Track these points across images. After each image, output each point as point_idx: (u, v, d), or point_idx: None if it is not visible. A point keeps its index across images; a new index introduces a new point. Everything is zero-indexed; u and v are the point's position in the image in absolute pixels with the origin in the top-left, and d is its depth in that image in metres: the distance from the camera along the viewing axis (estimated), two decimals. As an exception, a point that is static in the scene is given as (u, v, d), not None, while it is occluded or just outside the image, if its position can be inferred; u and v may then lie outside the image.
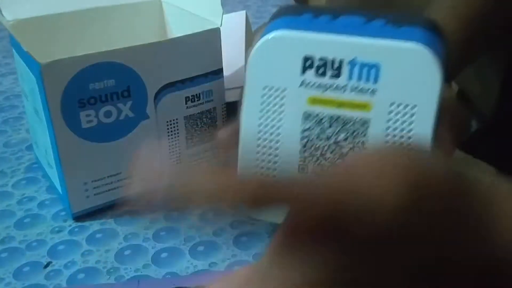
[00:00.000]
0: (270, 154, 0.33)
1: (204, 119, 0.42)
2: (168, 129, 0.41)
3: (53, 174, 0.41)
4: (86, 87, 0.37)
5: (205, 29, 0.40)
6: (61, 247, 0.38)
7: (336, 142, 0.33)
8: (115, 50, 0.37)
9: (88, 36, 0.45)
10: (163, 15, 0.50)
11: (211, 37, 0.41)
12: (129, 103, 0.39)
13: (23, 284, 0.34)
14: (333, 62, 0.31)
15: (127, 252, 0.37)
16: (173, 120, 0.41)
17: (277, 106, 0.33)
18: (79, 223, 0.40)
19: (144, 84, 0.39)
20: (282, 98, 0.32)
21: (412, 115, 0.31)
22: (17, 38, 0.36)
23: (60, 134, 0.37)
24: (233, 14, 0.59)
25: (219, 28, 0.41)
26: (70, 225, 0.40)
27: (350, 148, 0.33)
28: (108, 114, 0.38)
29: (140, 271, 0.35)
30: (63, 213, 0.41)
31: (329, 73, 0.31)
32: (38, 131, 0.41)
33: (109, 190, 0.40)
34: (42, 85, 0.36)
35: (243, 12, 0.59)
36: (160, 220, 0.40)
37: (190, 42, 0.40)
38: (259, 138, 0.33)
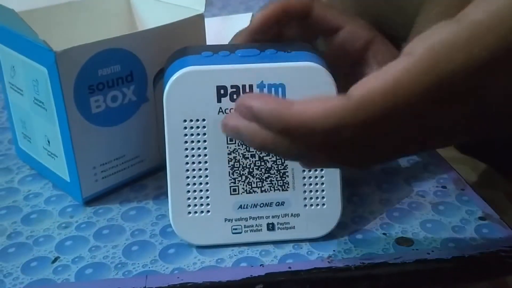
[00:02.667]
0: (200, 183, 0.36)
1: None
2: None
3: (58, 165, 0.42)
4: (96, 73, 0.38)
5: (191, 15, 0.43)
6: (68, 242, 0.38)
7: (260, 158, 0.36)
8: (121, 37, 0.39)
9: (55, 33, 0.46)
10: (130, 8, 0.52)
11: (198, 22, 0.44)
12: (132, 87, 0.41)
13: (31, 279, 0.34)
14: (243, 87, 0.35)
15: (134, 248, 0.37)
16: None
17: (200, 136, 0.36)
18: (86, 220, 0.40)
19: (145, 69, 0.41)
20: (203, 128, 0.35)
21: None
22: (31, 26, 0.36)
23: (72, 120, 0.38)
24: (239, 15, 0.60)
25: (203, 14, 0.44)
26: (77, 221, 0.40)
27: (273, 162, 0.37)
28: (114, 98, 0.40)
29: (148, 267, 0.35)
30: (69, 209, 0.41)
31: None
32: (36, 123, 0.42)
33: (114, 173, 0.42)
34: (57, 73, 0.37)
35: (249, 14, 0.60)
36: (166, 217, 0.40)
37: (180, 27, 0.43)
38: (187, 170, 0.36)
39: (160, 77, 0.42)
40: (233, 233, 0.37)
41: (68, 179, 0.41)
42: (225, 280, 0.34)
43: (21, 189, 0.44)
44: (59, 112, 0.38)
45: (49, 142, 0.41)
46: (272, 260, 0.36)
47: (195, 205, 0.36)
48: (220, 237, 0.37)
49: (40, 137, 0.42)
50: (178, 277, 0.34)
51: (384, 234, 0.38)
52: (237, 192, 0.36)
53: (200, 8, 0.44)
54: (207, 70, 0.35)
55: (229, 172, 0.36)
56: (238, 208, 0.37)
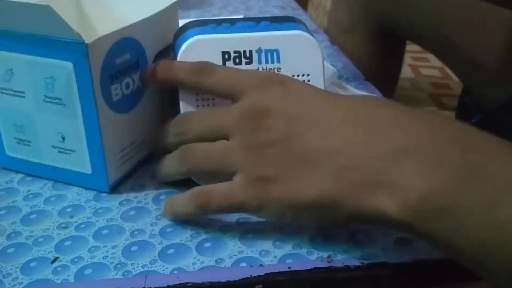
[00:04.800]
0: None
1: None
2: (160, 93, 0.46)
3: (74, 160, 0.42)
4: (114, 62, 0.40)
5: (163, 4, 0.45)
6: (68, 242, 0.38)
7: None
8: (130, 26, 0.41)
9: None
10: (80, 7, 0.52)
11: (175, 9, 0.47)
12: (138, 74, 0.43)
13: (30, 279, 0.34)
14: (244, 52, 0.41)
15: (134, 248, 0.37)
16: None
17: (210, 100, 0.41)
18: (86, 220, 0.40)
19: (146, 55, 0.43)
20: None
21: (308, 81, 0.42)
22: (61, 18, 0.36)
23: (100, 110, 0.40)
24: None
25: (177, 1, 0.47)
26: (76, 222, 0.40)
27: None
28: (127, 85, 0.42)
29: (148, 267, 0.35)
30: (69, 209, 0.41)
31: (243, 61, 0.41)
32: (44, 123, 0.42)
33: (130, 158, 0.44)
34: (88, 65, 0.38)
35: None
36: (166, 217, 0.40)
37: (166, 14, 0.45)
38: None
39: (156, 61, 0.44)
40: None
41: (89, 171, 0.42)
42: (225, 280, 0.34)
43: (21, 189, 0.44)
44: (86, 104, 0.39)
45: (63, 138, 0.42)
46: (271, 260, 0.36)
47: None
48: None
49: (49, 136, 0.42)
50: (177, 277, 0.34)
51: (383, 234, 0.38)
52: None
53: None
54: (213, 39, 0.41)
55: None
56: None
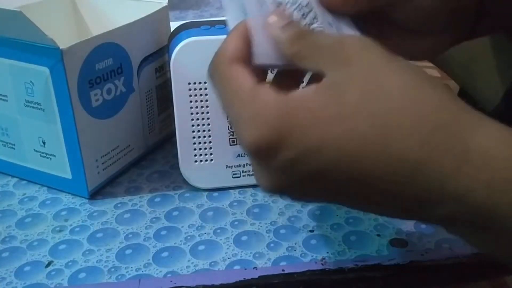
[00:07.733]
0: (204, 136, 0.42)
1: (167, 88, 0.48)
2: (146, 99, 0.47)
3: (55, 164, 0.42)
4: (94, 67, 0.40)
5: (155, 9, 0.46)
6: (62, 246, 0.38)
7: None
8: (112, 31, 0.41)
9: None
10: (76, 10, 0.53)
11: (165, 14, 0.47)
12: (122, 79, 0.43)
13: (24, 284, 0.34)
14: None
15: (128, 252, 0.37)
16: (149, 90, 0.47)
17: (202, 96, 0.41)
18: (80, 223, 0.40)
19: (131, 60, 0.43)
20: (205, 89, 0.41)
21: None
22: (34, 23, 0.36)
23: (78, 115, 0.40)
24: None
25: (167, 5, 0.47)
26: (71, 225, 0.40)
27: None
28: (109, 91, 0.42)
29: (141, 270, 0.35)
30: (64, 212, 0.41)
31: None
32: (26, 127, 0.42)
33: (112, 163, 0.44)
34: (63, 70, 0.38)
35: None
36: (161, 220, 0.40)
37: (154, 19, 0.45)
38: (193, 125, 0.42)
39: (143, 67, 0.45)
40: (233, 178, 0.43)
41: (69, 176, 0.42)
42: (219, 283, 0.34)
43: (16, 192, 0.44)
44: (63, 109, 0.39)
45: (44, 143, 0.42)
46: (265, 263, 0.36)
47: (201, 154, 0.42)
48: (222, 181, 0.43)
49: (31, 140, 0.42)
50: (171, 281, 0.34)
51: (378, 235, 0.38)
52: (235, 143, 0.42)
53: (163, 1, 0.47)
54: (207, 40, 0.40)
55: (228, 126, 0.42)
56: (237, 157, 0.43)
